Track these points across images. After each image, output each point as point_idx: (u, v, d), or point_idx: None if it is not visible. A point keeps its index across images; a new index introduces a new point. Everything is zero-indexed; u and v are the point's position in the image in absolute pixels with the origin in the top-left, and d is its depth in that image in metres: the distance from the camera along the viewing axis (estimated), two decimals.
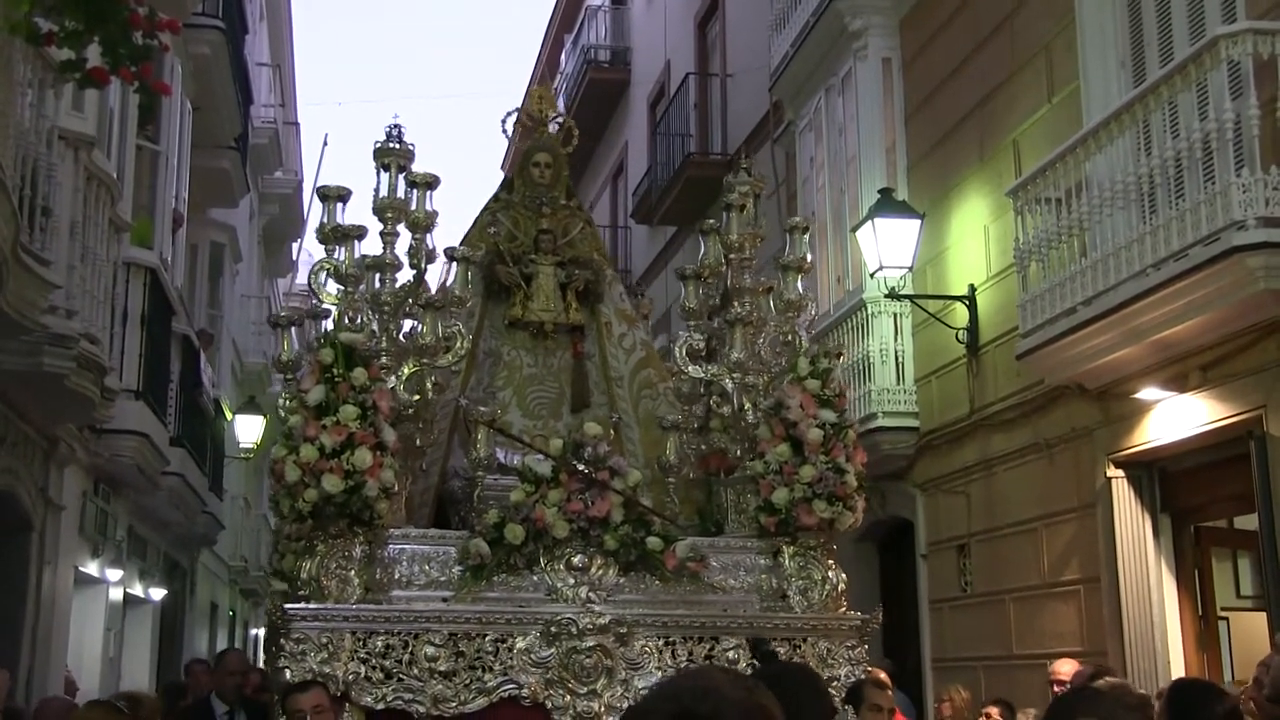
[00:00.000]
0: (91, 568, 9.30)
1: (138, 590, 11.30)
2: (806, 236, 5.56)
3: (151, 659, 12.04)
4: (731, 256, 5.64)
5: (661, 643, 4.90)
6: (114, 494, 9.67)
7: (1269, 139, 5.88)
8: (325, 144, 21.54)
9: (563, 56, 21.58)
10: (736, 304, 5.54)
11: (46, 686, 7.64)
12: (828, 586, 5.05)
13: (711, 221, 5.87)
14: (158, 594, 11.94)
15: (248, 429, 14.71)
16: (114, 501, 9.71)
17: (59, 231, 6.20)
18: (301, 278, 26.42)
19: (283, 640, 4.61)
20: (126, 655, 11.25)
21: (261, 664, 7.63)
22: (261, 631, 24.38)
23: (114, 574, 9.92)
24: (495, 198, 6.21)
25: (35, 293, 5.75)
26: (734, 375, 5.44)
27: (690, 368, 5.57)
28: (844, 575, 5.15)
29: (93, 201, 6.88)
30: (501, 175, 28.67)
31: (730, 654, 4.88)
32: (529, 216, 6.02)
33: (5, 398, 6.66)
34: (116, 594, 10.44)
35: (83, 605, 9.42)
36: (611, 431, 5.48)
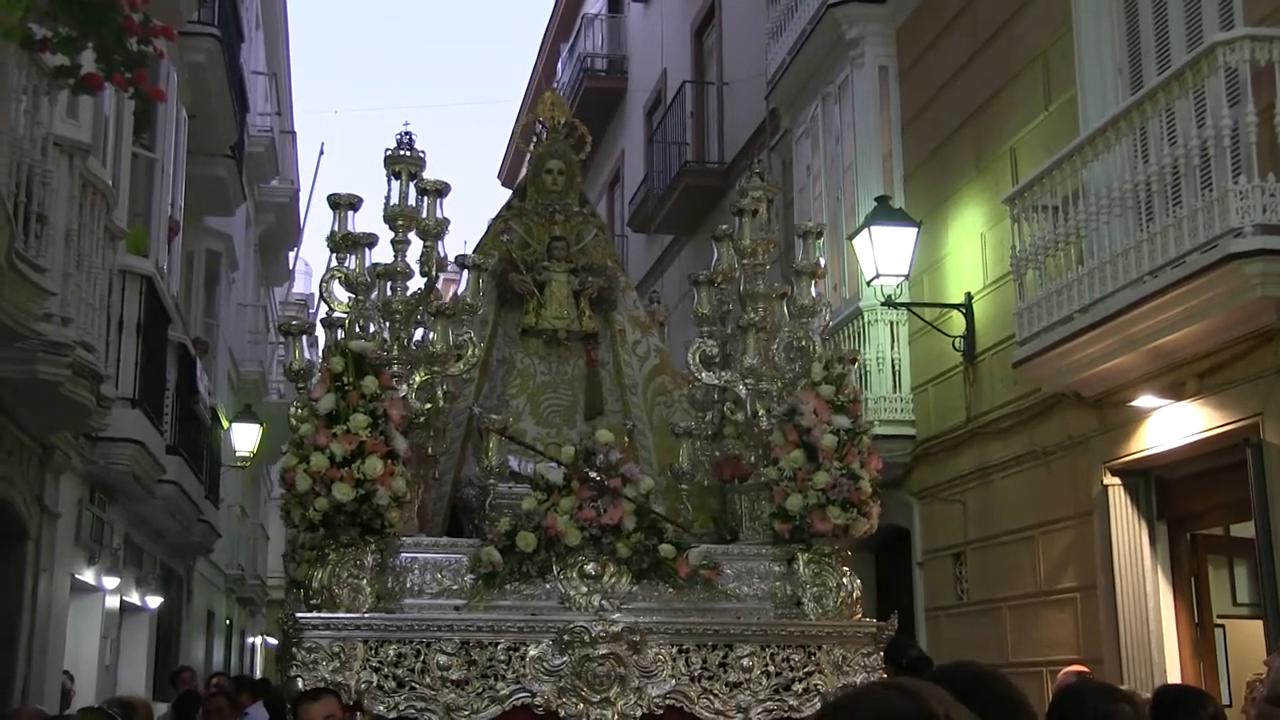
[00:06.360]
0: (88, 575, 9.26)
1: (134, 598, 11.26)
2: (821, 241, 5.54)
3: (148, 667, 11.99)
4: (745, 262, 5.61)
5: (675, 650, 4.87)
6: (110, 502, 9.63)
7: (1266, 146, 5.87)
8: (322, 152, 21.69)
9: (559, 65, 21.49)
10: (749, 310, 5.52)
11: (43, 694, 7.61)
12: (842, 593, 5.02)
13: (724, 227, 5.84)
14: (154, 602, 11.90)
15: (244, 437, 14.67)
16: (110, 509, 9.67)
17: (54, 239, 6.15)
18: (298, 286, 26.45)
19: (295, 649, 4.59)
20: (123, 663, 11.22)
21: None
22: (258, 640, 24.36)
23: (110, 582, 9.88)
24: (508, 205, 6.19)
25: (30, 300, 5.71)
26: (747, 381, 5.41)
27: (704, 374, 5.54)
28: (859, 581, 5.13)
29: (88, 209, 6.82)
30: (499, 183, 28.64)
31: (745, 661, 4.88)
32: (542, 224, 6.00)
33: (0, 405, 6.63)
34: (113, 602, 10.41)
35: (79, 613, 9.38)
36: (626, 439, 5.46)
